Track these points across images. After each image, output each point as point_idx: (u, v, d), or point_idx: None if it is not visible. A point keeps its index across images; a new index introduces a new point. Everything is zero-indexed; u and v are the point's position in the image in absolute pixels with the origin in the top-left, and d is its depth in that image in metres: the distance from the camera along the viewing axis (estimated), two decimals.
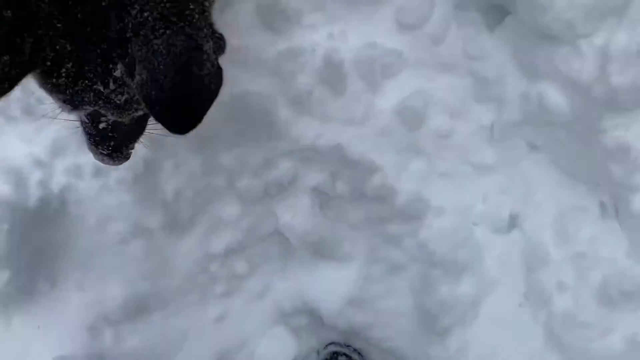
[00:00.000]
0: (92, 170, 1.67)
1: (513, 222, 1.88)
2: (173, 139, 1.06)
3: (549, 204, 1.84)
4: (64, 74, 0.89)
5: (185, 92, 0.83)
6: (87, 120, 1.11)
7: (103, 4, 0.85)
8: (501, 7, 1.82)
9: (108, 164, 1.20)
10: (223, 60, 0.98)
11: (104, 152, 1.16)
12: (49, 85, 0.93)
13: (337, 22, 1.79)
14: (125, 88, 0.92)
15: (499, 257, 1.82)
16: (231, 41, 1.66)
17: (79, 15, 0.84)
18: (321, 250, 1.74)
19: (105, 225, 1.70)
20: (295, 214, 1.70)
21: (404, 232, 1.71)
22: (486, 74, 1.81)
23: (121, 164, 1.21)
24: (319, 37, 1.76)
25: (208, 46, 0.88)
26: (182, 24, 0.84)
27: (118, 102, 0.94)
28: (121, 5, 0.85)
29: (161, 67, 0.81)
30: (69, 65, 0.88)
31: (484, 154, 1.87)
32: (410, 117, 1.80)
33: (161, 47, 0.82)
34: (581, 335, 1.70)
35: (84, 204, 1.66)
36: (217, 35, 1.01)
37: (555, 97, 1.69)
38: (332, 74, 1.72)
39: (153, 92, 0.82)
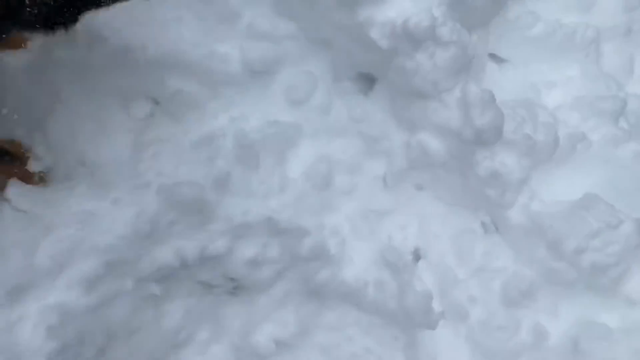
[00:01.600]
0: None
1: (418, 254, 2.14)
2: None
3: (443, 232, 2.14)
4: None
5: None
6: None
7: None
8: (368, 75, 2.14)
9: None
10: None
11: None
12: None
13: (235, 106, 1.95)
14: None
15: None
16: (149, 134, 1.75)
17: None
18: None
19: None
20: None
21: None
22: (372, 133, 2.09)
23: None
24: (222, 122, 1.90)
25: None
26: None
27: None
28: None
29: None
30: None
31: (382, 201, 2.12)
32: (319, 180, 1.99)
33: None
34: (498, 337, 1.98)
35: None
36: None
37: (433, 143, 2.01)
38: (245, 153, 1.86)
39: None
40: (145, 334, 1.70)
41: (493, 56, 2.40)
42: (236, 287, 1.84)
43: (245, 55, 1.95)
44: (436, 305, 1.99)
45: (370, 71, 2.13)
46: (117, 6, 1.70)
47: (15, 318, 1.49)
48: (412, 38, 1.85)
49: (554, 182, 2.12)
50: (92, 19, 1.72)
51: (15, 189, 1.53)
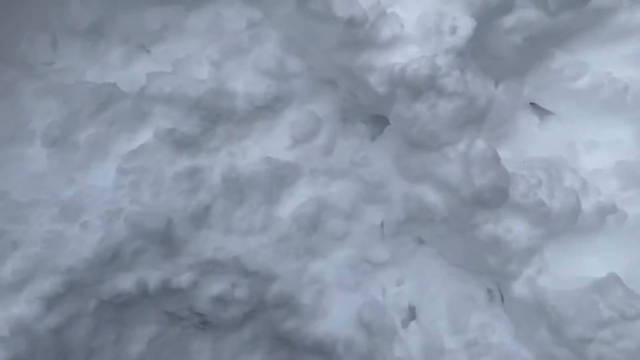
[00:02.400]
0: None
1: (412, 314, 1.98)
2: None
3: (441, 294, 1.97)
4: None
5: None
6: None
7: None
8: (383, 118, 2.04)
9: None
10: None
11: None
12: None
13: (235, 142, 1.94)
14: None
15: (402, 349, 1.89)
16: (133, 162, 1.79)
17: None
18: None
19: None
20: None
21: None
22: (372, 179, 1.98)
23: None
24: (217, 156, 1.90)
25: None
26: None
27: None
28: None
29: None
30: None
31: (378, 251, 2.00)
32: (307, 222, 1.92)
33: None
34: None
35: None
36: None
37: (432, 197, 1.87)
38: (230, 188, 1.84)
39: None
40: (104, 357, 1.73)
41: (536, 107, 2.19)
42: (204, 323, 1.82)
43: (251, 91, 1.94)
44: None
45: (384, 114, 2.03)
46: None
47: None
48: (410, 87, 1.73)
49: (572, 256, 1.88)
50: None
51: None
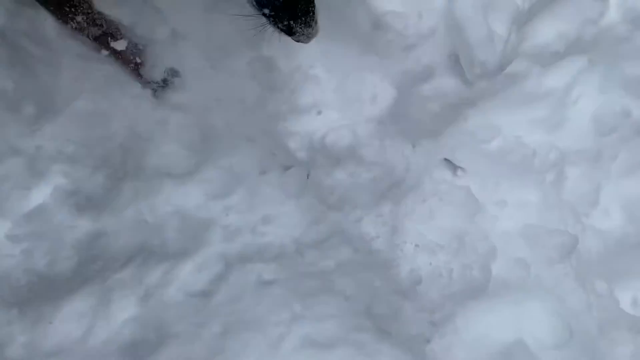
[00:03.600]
0: None
1: None
2: None
3: None
4: None
5: None
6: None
7: None
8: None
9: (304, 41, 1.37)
10: None
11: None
12: None
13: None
14: None
15: None
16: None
17: None
18: None
19: None
20: None
21: None
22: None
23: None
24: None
25: None
26: None
27: None
28: None
29: None
30: None
31: None
32: None
33: None
34: None
35: None
36: None
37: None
38: None
39: None
40: None
41: (449, 163, 2.23)
42: None
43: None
44: None
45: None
46: None
47: None
48: (329, 155, 1.70)
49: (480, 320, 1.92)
50: None
51: None
